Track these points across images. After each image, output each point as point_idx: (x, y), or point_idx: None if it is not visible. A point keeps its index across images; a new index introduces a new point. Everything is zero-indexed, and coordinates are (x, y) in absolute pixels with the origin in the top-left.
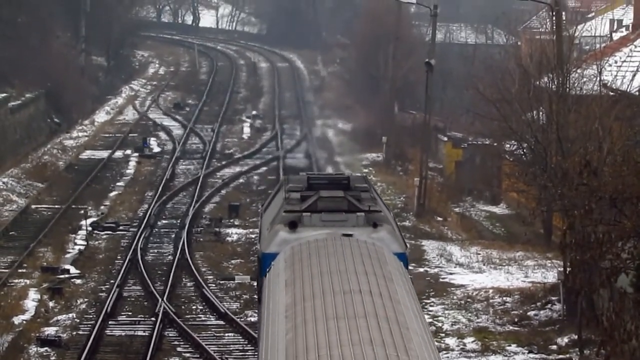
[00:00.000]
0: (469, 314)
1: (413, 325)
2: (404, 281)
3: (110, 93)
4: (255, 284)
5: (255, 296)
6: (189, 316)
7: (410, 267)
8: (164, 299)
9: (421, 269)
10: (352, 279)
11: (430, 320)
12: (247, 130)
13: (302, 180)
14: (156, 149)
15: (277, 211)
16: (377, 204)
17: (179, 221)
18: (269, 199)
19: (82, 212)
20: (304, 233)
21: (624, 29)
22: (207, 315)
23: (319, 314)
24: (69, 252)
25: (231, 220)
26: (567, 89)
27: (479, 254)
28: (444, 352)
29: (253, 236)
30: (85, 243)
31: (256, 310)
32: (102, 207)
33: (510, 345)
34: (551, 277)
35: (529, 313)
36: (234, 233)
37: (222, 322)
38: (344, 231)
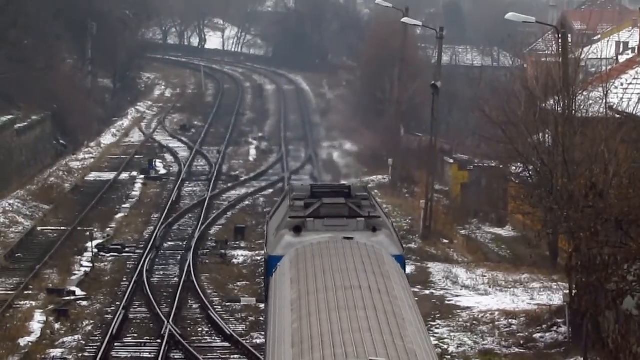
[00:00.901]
0: (475, 337)
1: (408, 316)
2: (400, 279)
3: (116, 115)
4: (258, 303)
5: (262, 318)
6: (194, 338)
7: (415, 290)
8: (170, 320)
9: (427, 291)
10: (352, 276)
11: (436, 342)
12: (253, 152)
13: (305, 189)
14: (162, 171)
15: (283, 217)
16: (376, 210)
17: (184, 243)
18: (274, 207)
19: (88, 234)
20: (307, 237)
21: (630, 52)
22: (213, 337)
23: (322, 306)
24: (75, 274)
25: (237, 243)
26: (573, 112)
27: (485, 276)
28: None
29: (259, 258)
30: (91, 265)
31: (262, 333)
32: (107, 229)
33: None
34: (557, 299)
35: (534, 335)
36: (240, 255)
37: (228, 344)
38: (345, 235)
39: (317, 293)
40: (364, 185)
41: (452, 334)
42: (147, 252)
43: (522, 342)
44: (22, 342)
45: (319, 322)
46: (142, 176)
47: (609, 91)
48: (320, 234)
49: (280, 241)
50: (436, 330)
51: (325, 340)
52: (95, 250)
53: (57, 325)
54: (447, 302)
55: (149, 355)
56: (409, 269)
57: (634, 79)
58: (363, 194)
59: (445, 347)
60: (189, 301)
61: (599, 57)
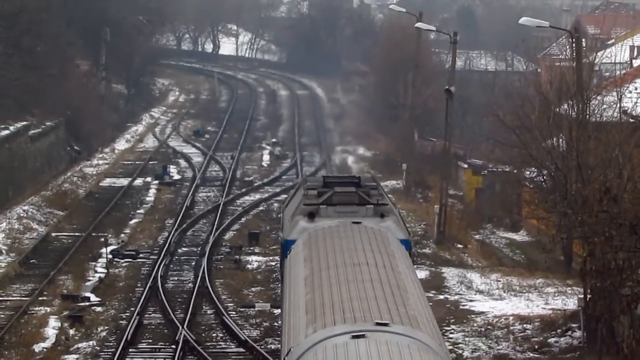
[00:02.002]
0: (490, 341)
1: (410, 289)
2: (405, 259)
3: (130, 121)
4: (273, 308)
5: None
6: (209, 344)
7: (430, 295)
8: (184, 326)
9: (441, 296)
10: (360, 254)
11: (451, 347)
12: (266, 157)
13: (318, 180)
14: (176, 177)
15: (297, 205)
16: (384, 199)
17: (199, 249)
18: (289, 196)
19: (102, 239)
20: (320, 222)
21: None
22: (228, 343)
23: (333, 280)
24: (89, 280)
25: (251, 248)
26: (587, 116)
27: (499, 281)
28: None
29: (273, 264)
30: (105, 271)
31: (277, 339)
32: (122, 235)
33: None
34: (571, 304)
35: (549, 340)
36: (254, 261)
37: (242, 350)
38: (355, 220)
39: (328, 269)
40: (373, 176)
41: (466, 338)
42: (161, 257)
43: (536, 346)
44: (37, 348)
45: (330, 293)
46: (156, 182)
47: (623, 95)
48: (331, 219)
49: (295, 226)
50: (451, 335)
51: (336, 308)
52: (110, 256)
53: (71, 331)
54: (461, 307)
55: None
56: (423, 274)
57: None
58: (372, 184)
59: (460, 352)
60: (204, 307)
61: (613, 61)
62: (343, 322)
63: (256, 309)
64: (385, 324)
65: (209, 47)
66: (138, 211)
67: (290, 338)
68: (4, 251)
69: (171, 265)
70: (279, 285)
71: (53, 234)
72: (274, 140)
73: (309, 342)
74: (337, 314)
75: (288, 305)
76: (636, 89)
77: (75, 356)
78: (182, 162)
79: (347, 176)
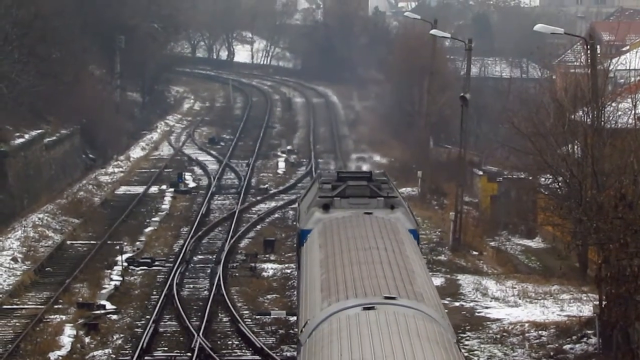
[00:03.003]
0: (505, 348)
1: (417, 270)
2: (412, 246)
3: (145, 128)
4: (288, 316)
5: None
6: (225, 351)
7: (445, 302)
8: (200, 334)
9: (457, 303)
10: (371, 240)
11: (467, 354)
12: (282, 165)
13: (332, 175)
14: (191, 184)
15: (313, 198)
16: (394, 192)
17: (214, 256)
18: (305, 190)
19: (118, 247)
20: (334, 213)
21: None
22: (243, 351)
23: (346, 262)
24: (105, 288)
25: (267, 256)
26: (602, 123)
27: (515, 287)
28: None
29: (289, 271)
30: (120, 279)
31: (292, 346)
32: (137, 243)
33: None
34: (587, 310)
35: (564, 347)
36: (269, 268)
37: (258, 358)
38: (367, 211)
39: (342, 253)
40: (383, 171)
41: (482, 345)
42: (176, 265)
43: (552, 353)
44: (53, 356)
45: (343, 273)
46: (172, 189)
47: (638, 102)
48: (345, 210)
49: (311, 217)
50: (466, 342)
51: (349, 285)
52: (125, 264)
53: (87, 339)
54: (477, 314)
55: None
56: (439, 281)
57: None
58: (383, 179)
59: (476, 359)
60: (219, 314)
61: (628, 68)
62: (355, 296)
63: (272, 316)
64: (393, 298)
65: (223, 55)
66: (153, 219)
67: (306, 312)
68: (19, 259)
69: (187, 273)
70: (295, 284)
71: (68, 242)
72: (289, 147)
73: (324, 314)
74: (349, 290)
75: (304, 286)
76: None
77: None
78: (198, 170)
79: (359, 171)
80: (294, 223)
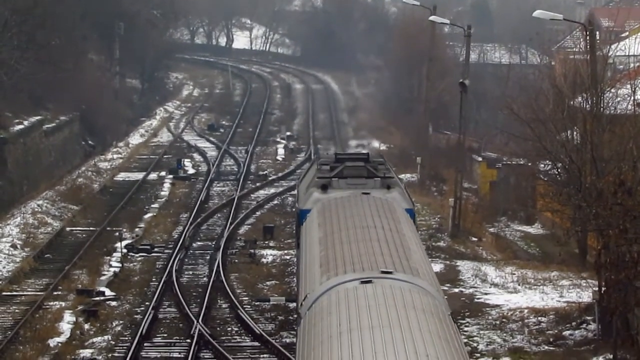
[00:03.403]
0: (504, 334)
1: (413, 247)
2: (408, 224)
3: (144, 115)
4: (288, 302)
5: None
6: (224, 338)
7: (444, 288)
8: (199, 320)
9: (456, 290)
10: (369, 219)
11: (466, 340)
12: (281, 151)
13: (330, 157)
14: (191, 171)
15: (312, 179)
16: (390, 173)
17: (213, 243)
18: (304, 172)
19: (117, 234)
20: (332, 193)
21: None
22: (243, 337)
23: (344, 239)
24: (104, 275)
25: (266, 242)
26: (601, 109)
27: (514, 274)
28: None
29: (288, 257)
30: (120, 265)
31: (292, 332)
32: (136, 229)
33: None
34: (586, 296)
35: (564, 333)
36: (268, 254)
37: (257, 344)
38: (364, 192)
39: (340, 231)
40: (381, 154)
41: (481, 331)
42: (176, 252)
43: (551, 339)
44: (52, 342)
45: (342, 250)
46: (171, 176)
47: (637, 88)
48: (343, 191)
49: (310, 197)
50: (465, 328)
51: (347, 261)
52: (125, 251)
53: (86, 326)
54: (476, 300)
55: (179, 355)
56: (438, 267)
57: None
58: (379, 160)
59: (475, 345)
60: (218, 301)
61: (627, 54)
62: (353, 271)
63: (271, 302)
64: (390, 272)
65: (222, 41)
66: (152, 205)
67: (306, 287)
68: (18, 246)
69: (186, 260)
70: (294, 270)
71: (67, 229)
72: (288, 134)
73: (323, 287)
74: (347, 265)
75: (304, 263)
76: None
77: (90, 351)
78: (197, 156)
79: (357, 153)
80: (294, 203)
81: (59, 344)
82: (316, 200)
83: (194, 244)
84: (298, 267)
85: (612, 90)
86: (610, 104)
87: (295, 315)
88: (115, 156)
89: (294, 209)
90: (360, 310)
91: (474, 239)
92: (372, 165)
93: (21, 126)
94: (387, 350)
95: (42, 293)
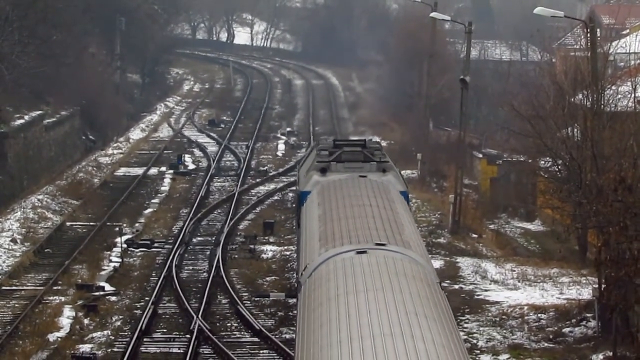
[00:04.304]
0: (504, 331)
1: (405, 223)
2: (402, 205)
3: (145, 110)
4: (288, 298)
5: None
6: (223, 333)
7: (444, 284)
8: (199, 316)
9: (456, 286)
10: (364, 199)
11: (465, 337)
12: (281, 147)
13: (329, 143)
14: (191, 166)
15: (311, 163)
16: (385, 157)
17: (213, 238)
18: (304, 157)
19: (117, 229)
20: (331, 176)
21: None
22: (242, 333)
23: (342, 216)
24: (104, 269)
25: (266, 238)
26: (602, 106)
27: (514, 270)
28: None
29: (288, 253)
30: (120, 260)
31: (292, 328)
32: (136, 225)
33: None
34: (586, 293)
35: (563, 330)
36: (269, 250)
37: (257, 339)
38: (361, 174)
39: (338, 209)
40: (377, 140)
41: (481, 328)
42: (176, 247)
43: (551, 336)
44: (51, 337)
45: (339, 225)
46: (171, 171)
47: (638, 85)
48: (341, 174)
49: (309, 180)
50: (465, 325)
51: (344, 234)
52: (125, 246)
53: (86, 321)
54: (476, 297)
55: (178, 351)
56: (438, 263)
57: None
58: (376, 146)
59: (475, 341)
60: (218, 296)
61: (628, 51)
62: (349, 243)
63: (271, 298)
64: (383, 244)
65: (223, 37)
66: (153, 201)
67: (306, 258)
68: (18, 240)
69: (186, 255)
70: (294, 267)
71: (68, 224)
72: (289, 129)
73: (322, 258)
74: (344, 238)
75: (304, 238)
76: None
77: (90, 345)
78: (197, 152)
79: (354, 139)
80: (295, 186)
81: (59, 339)
82: (316, 182)
83: (194, 239)
84: (298, 243)
85: (613, 87)
86: (610, 101)
87: (296, 285)
88: (115, 151)
89: (294, 191)
90: (355, 277)
91: (474, 235)
92: (368, 150)
93: (22, 120)
94: (380, 308)
95: (41, 288)
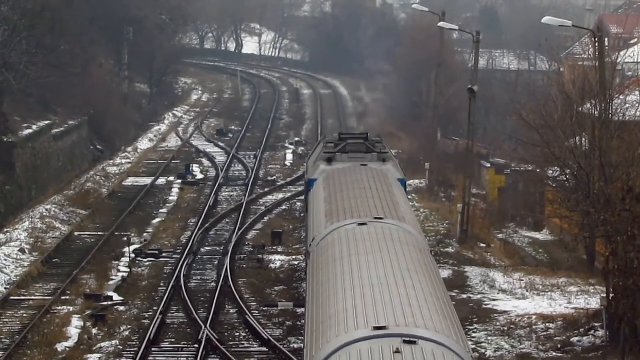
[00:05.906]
0: (512, 341)
1: (401, 203)
2: (399, 190)
3: (153, 120)
4: (296, 308)
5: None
6: (232, 343)
7: (452, 294)
8: (207, 325)
9: (464, 296)
10: (365, 184)
11: (474, 346)
12: (289, 156)
13: (335, 137)
14: (199, 176)
15: (319, 154)
16: (385, 149)
17: (222, 248)
18: (313, 149)
19: (125, 239)
20: (336, 165)
21: None
22: (250, 342)
23: (345, 197)
24: (112, 279)
25: (274, 247)
26: (610, 115)
27: (522, 280)
28: None
29: (296, 263)
30: (128, 270)
31: (300, 338)
32: (145, 234)
33: None
34: (594, 303)
35: (572, 339)
36: (277, 260)
37: (265, 349)
38: (363, 164)
39: (342, 192)
40: (379, 135)
41: (489, 338)
42: (184, 257)
43: (559, 346)
44: (60, 347)
45: (343, 204)
46: (179, 181)
47: None
48: (345, 163)
49: (317, 169)
50: (473, 335)
51: (347, 211)
52: (133, 256)
53: (94, 331)
54: (484, 306)
55: None
56: (446, 273)
57: None
58: (377, 139)
59: (483, 351)
60: (226, 306)
61: (636, 60)
62: (352, 217)
63: (279, 308)
64: (381, 218)
65: (232, 46)
66: (161, 210)
67: (314, 232)
68: (27, 250)
69: (194, 265)
70: (303, 276)
71: (76, 234)
72: (297, 139)
73: (327, 230)
74: (347, 214)
75: (312, 217)
76: None
77: (98, 355)
78: (205, 162)
79: (358, 133)
80: (304, 175)
81: (67, 349)
82: (322, 171)
83: (202, 249)
84: (307, 223)
85: (621, 96)
86: (619, 110)
87: (305, 255)
88: (123, 161)
89: (303, 180)
90: (357, 243)
91: (482, 245)
92: (370, 142)
93: (30, 130)
94: (377, 266)
95: (50, 297)
